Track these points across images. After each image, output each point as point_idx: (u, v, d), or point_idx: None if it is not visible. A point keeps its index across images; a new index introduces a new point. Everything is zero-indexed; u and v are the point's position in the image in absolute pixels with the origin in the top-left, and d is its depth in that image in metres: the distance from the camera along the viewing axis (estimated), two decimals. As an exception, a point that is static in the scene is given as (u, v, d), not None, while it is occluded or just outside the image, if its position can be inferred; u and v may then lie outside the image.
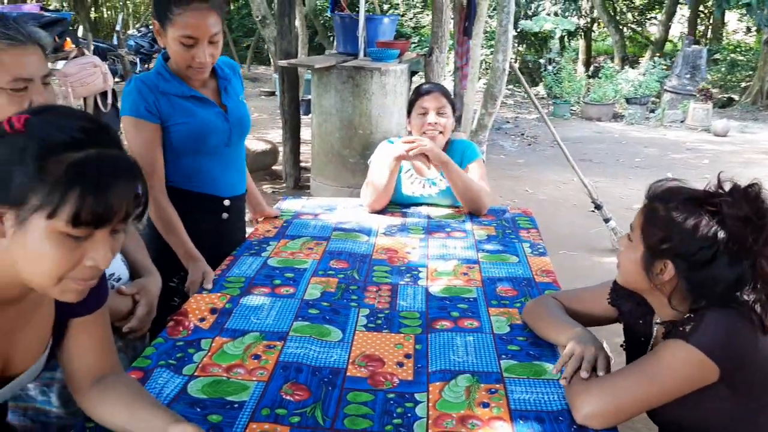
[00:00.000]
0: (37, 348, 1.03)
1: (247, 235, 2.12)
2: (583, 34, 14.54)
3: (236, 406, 1.21)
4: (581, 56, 14.28)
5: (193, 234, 1.82)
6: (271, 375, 1.31)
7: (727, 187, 1.17)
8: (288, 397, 1.24)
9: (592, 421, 1.14)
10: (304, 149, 5.96)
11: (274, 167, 6.24)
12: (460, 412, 1.20)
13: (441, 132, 2.32)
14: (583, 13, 14.26)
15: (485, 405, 1.22)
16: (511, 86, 13.62)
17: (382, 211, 2.37)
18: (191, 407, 1.19)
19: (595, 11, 13.96)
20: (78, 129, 0.84)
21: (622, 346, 1.42)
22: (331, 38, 13.39)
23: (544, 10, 13.28)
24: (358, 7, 4.95)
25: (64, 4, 16.43)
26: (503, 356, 1.40)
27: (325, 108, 5.03)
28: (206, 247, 1.84)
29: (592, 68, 13.38)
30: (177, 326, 1.49)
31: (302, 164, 5.98)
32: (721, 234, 1.11)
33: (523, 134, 9.10)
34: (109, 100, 3.61)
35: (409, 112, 2.41)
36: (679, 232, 1.16)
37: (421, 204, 2.45)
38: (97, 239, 0.86)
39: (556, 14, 13.08)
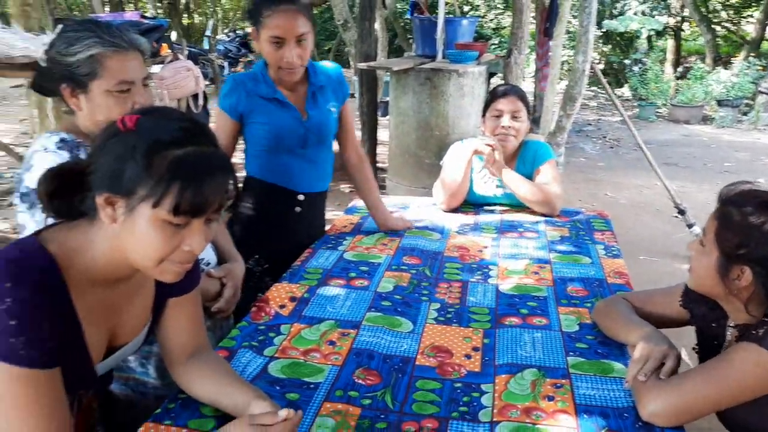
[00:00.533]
0: (139, 323, 1.14)
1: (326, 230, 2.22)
2: (672, 33, 13.96)
3: (312, 386, 1.29)
4: (670, 56, 13.71)
5: (265, 222, 2.00)
6: (345, 360, 1.39)
7: None
8: (360, 381, 1.31)
9: (657, 418, 1.15)
10: (381, 150, 6.07)
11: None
12: (525, 403, 1.24)
13: (514, 135, 2.35)
14: (673, 11, 13.69)
15: (550, 398, 1.25)
16: (594, 88, 13.27)
17: (455, 210, 2.42)
18: (271, 385, 1.29)
19: (686, 10, 13.39)
20: (179, 129, 0.94)
21: (694, 348, 1.41)
22: (411, 40, 13.50)
23: (630, 9, 12.84)
24: (438, 10, 4.99)
25: (159, 11, 17.33)
26: (570, 353, 1.42)
27: (403, 109, 5.10)
28: (280, 236, 1.98)
29: (681, 69, 12.83)
30: (259, 312, 1.60)
31: (379, 164, 6.09)
32: None
33: (605, 137, 8.87)
34: (200, 102, 3.83)
35: (484, 113, 2.44)
36: (756, 236, 1.15)
37: (493, 204, 2.48)
38: (193, 227, 0.96)
39: (643, 13, 12.62)
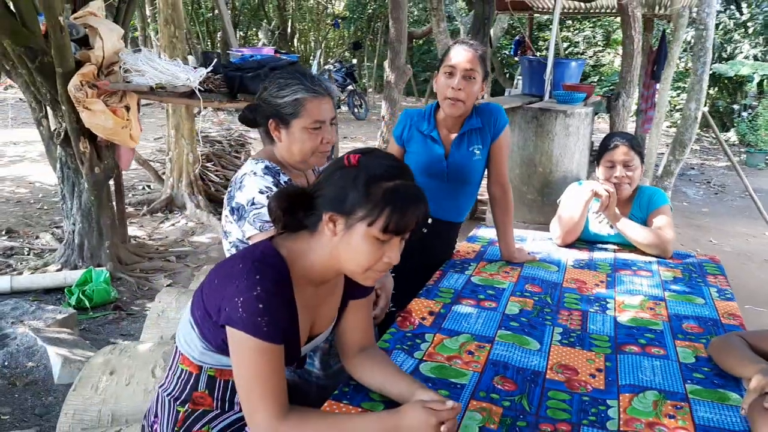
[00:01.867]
0: (330, 318, 1.42)
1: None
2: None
3: (458, 386, 1.52)
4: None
5: None
6: (484, 368, 1.61)
7: None
8: (499, 386, 1.53)
9: None
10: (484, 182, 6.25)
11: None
12: (648, 418, 1.41)
13: (628, 183, 2.51)
14: (789, 55, 13.18)
15: (671, 417, 1.42)
16: (698, 131, 12.92)
17: (569, 246, 2.60)
18: (424, 382, 1.52)
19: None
20: (391, 166, 1.22)
21: None
22: (507, 75, 13.73)
23: (741, 53, 12.50)
24: (539, 48, 5.19)
25: (268, 41, 18.44)
26: (688, 381, 1.57)
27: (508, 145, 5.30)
28: (409, 251, 2.22)
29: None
30: (404, 321, 1.85)
31: (480, 197, 6.29)
32: None
33: (709, 182, 8.68)
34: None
35: (597, 160, 2.62)
36: None
37: (607, 242, 2.64)
38: (393, 244, 1.23)
39: (755, 57, 12.24)
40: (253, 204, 1.64)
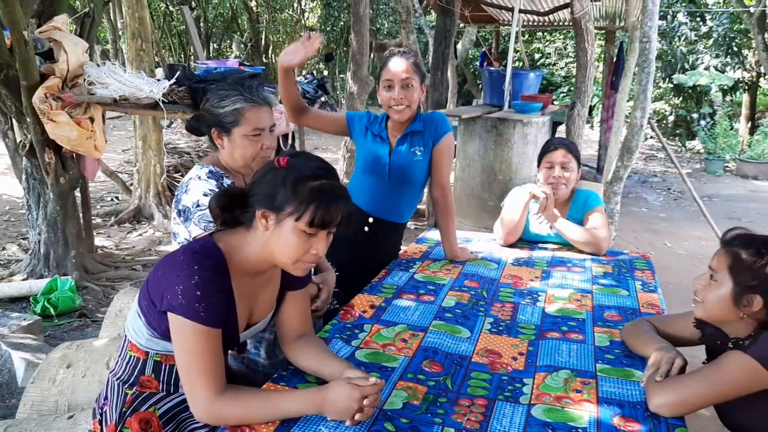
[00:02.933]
0: (268, 307, 1.55)
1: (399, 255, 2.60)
2: (747, 88, 13.87)
3: (389, 369, 1.65)
4: (744, 111, 13.61)
5: (341, 235, 2.40)
6: (415, 353, 1.75)
7: None
8: (427, 369, 1.67)
9: (661, 409, 1.44)
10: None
11: (418, 206, 6.78)
12: (557, 393, 1.56)
13: (564, 184, 2.68)
14: (748, 66, 13.63)
15: (578, 391, 1.57)
16: (664, 141, 13.27)
17: (512, 246, 2.76)
18: (358, 367, 1.65)
19: (762, 66, 13.31)
20: (317, 168, 1.36)
21: (704, 362, 1.69)
22: (480, 86, 14.01)
23: (702, 63, 12.91)
24: (506, 59, 5.40)
25: (241, 54, 18.53)
26: (599, 361, 1.73)
27: (469, 154, 5.49)
28: (348, 249, 2.34)
29: (752, 124, 12.72)
30: (346, 314, 1.99)
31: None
32: None
33: (669, 188, 8.97)
34: (290, 141, 4.34)
35: (539, 164, 2.79)
36: (765, 270, 1.46)
37: (546, 242, 2.81)
38: (320, 237, 1.36)
39: (716, 68, 12.65)
40: (198, 206, 1.77)
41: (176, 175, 6.34)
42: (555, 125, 5.88)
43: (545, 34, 17.65)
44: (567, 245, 2.75)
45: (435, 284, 2.28)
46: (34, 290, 4.03)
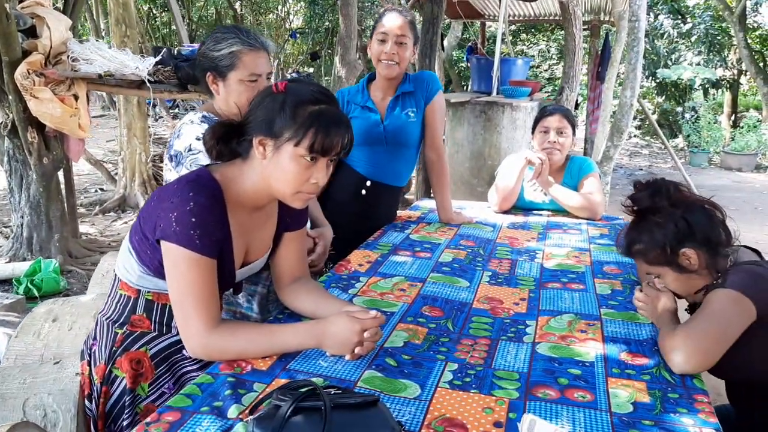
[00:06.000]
0: (264, 246, 1.50)
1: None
2: (728, 86, 14.04)
3: (388, 313, 1.61)
4: (726, 109, 13.77)
5: (339, 196, 2.37)
6: (414, 300, 1.71)
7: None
8: (427, 313, 1.63)
9: (687, 366, 1.32)
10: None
11: (407, 195, 6.74)
12: (562, 333, 1.52)
13: (559, 150, 2.65)
14: (729, 64, 13.80)
15: (583, 331, 1.53)
16: (648, 138, 13.42)
17: (506, 212, 2.73)
18: (356, 311, 1.61)
19: (743, 63, 13.49)
20: (317, 92, 1.31)
21: (686, 309, 1.66)
22: (465, 87, 14.03)
23: (685, 60, 13.04)
24: (492, 55, 5.38)
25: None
26: (603, 306, 1.70)
27: (458, 140, 5.46)
28: (346, 212, 2.35)
29: (734, 121, 12.86)
30: (341, 267, 1.94)
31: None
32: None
33: (655, 180, 9.00)
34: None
35: (533, 130, 2.76)
36: (662, 235, 1.50)
37: (541, 209, 2.78)
38: (320, 165, 1.31)
39: (698, 65, 12.80)
40: (190, 150, 1.71)
41: (161, 165, 6.25)
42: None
43: (529, 35, 17.75)
44: (562, 212, 2.72)
45: (431, 243, 2.25)
46: (17, 273, 3.93)
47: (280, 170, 1.30)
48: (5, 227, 5.24)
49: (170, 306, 1.34)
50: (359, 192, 2.40)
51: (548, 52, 17.83)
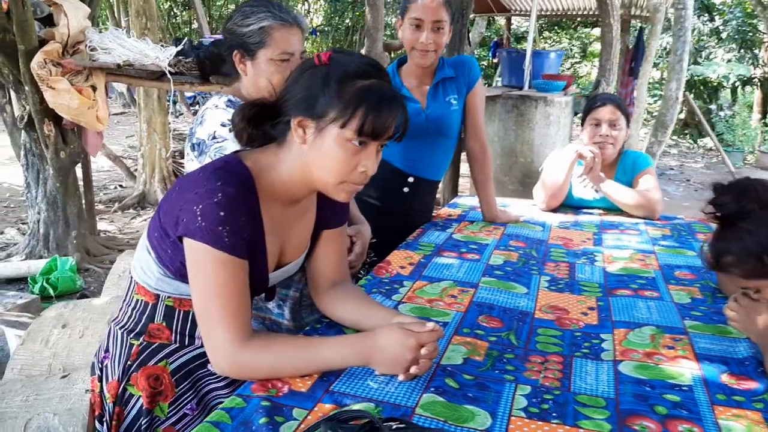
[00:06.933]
0: (301, 246, 1.30)
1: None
2: (759, 84, 13.60)
3: (441, 324, 1.40)
4: (756, 107, 13.35)
5: (377, 195, 2.16)
6: (467, 308, 1.50)
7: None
8: (484, 324, 1.42)
9: None
10: (464, 172, 6.19)
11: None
12: (645, 349, 1.31)
13: (612, 144, 2.42)
14: (761, 62, 13.37)
15: (670, 348, 1.31)
16: (675, 137, 13.05)
17: (554, 211, 2.51)
18: (403, 320, 1.40)
19: (775, 60, 13.07)
20: (366, 64, 1.11)
21: None
22: (488, 85, 13.78)
23: (716, 57, 12.67)
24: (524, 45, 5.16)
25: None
26: (686, 318, 1.47)
27: (488, 136, 5.21)
28: (387, 212, 2.15)
29: (765, 120, 12.45)
30: (381, 270, 1.73)
31: (460, 192, 6.21)
32: None
33: (688, 180, 8.71)
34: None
35: (583, 121, 2.54)
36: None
37: (592, 207, 2.55)
38: (369, 151, 1.11)
39: (728, 61, 12.41)
40: (214, 138, 1.52)
41: (182, 161, 6.10)
42: (587, 99, 5.60)
43: (552, 32, 17.42)
44: (615, 210, 2.49)
45: (477, 243, 2.03)
46: (33, 271, 3.79)
47: (322, 156, 1.10)
48: (23, 224, 5.11)
49: (194, 314, 1.14)
50: (401, 190, 2.20)
51: (571, 50, 17.49)
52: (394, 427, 0.86)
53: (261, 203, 1.14)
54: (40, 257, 4.05)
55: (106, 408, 1.21)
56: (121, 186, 6.65)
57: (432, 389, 1.11)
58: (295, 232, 1.26)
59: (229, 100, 1.59)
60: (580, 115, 6.17)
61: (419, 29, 2.02)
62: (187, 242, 1.08)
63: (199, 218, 1.05)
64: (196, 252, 1.07)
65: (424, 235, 2.09)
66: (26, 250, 4.12)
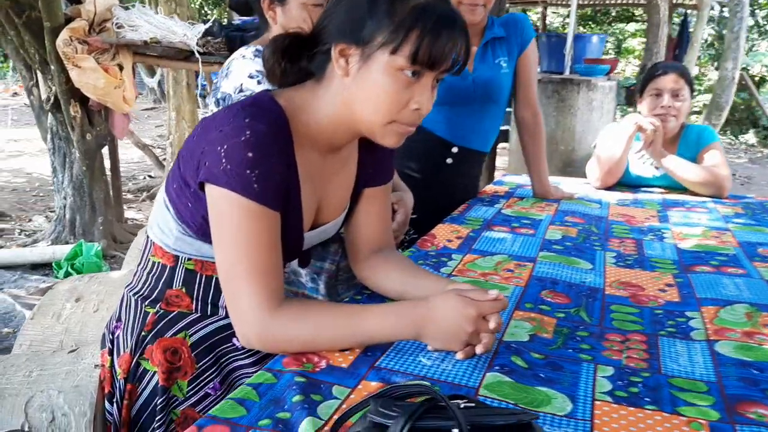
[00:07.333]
0: (340, 204, 1.12)
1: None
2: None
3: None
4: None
5: (417, 167, 1.98)
6: (528, 282, 1.32)
7: None
8: (549, 299, 1.23)
9: None
10: (501, 162, 5.99)
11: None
12: (743, 328, 1.11)
13: (675, 116, 2.21)
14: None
15: (773, 327, 1.11)
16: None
17: (609, 189, 2.30)
18: (455, 294, 1.23)
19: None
20: None
21: None
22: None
23: (759, 48, 12.21)
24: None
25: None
26: (783, 295, 1.27)
27: (527, 123, 5.02)
28: (429, 185, 1.94)
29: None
30: (425, 242, 1.56)
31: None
32: None
33: (734, 174, 8.35)
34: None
35: (641, 92, 2.32)
36: None
37: (651, 186, 2.34)
38: (424, 83, 0.93)
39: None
40: (241, 91, 1.36)
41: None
42: (627, 90, 5.35)
43: (586, 28, 17.05)
44: (678, 188, 2.27)
45: (530, 219, 1.84)
46: (58, 256, 3.70)
47: (368, 90, 0.93)
48: (51, 212, 5.06)
49: (218, 278, 0.98)
50: (443, 161, 2.00)
51: (605, 46, 17.11)
52: (462, 405, 0.68)
53: (295, 149, 0.97)
54: (66, 243, 3.96)
55: (117, 385, 1.05)
56: (150, 176, 6.59)
57: (496, 368, 0.94)
58: (334, 187, 1.09)
59: (257, 50, 1.43)
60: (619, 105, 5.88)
61: None
62: (210, 189, 0.92)
63: (224, 160, 0.89)
64: (220, 200, 0.91)
65: (471, 210, 1.90)
66: (52, 235, 4.04)
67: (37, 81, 3.88)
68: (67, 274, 3.50)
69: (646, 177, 2.33)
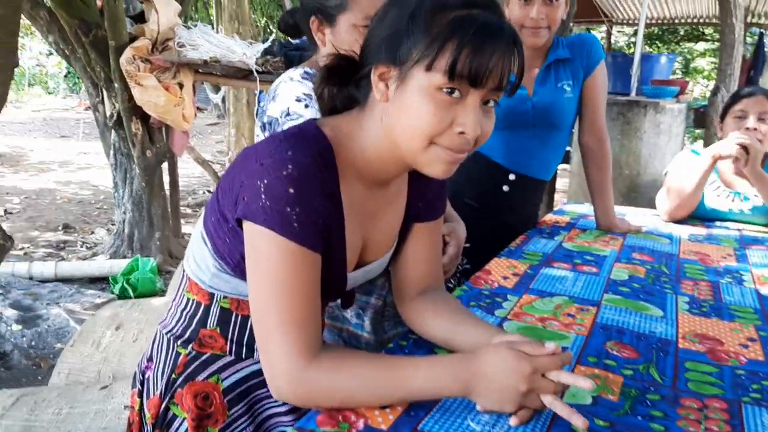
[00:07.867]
0: (387, 241, 1.04)
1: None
2: None
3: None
4: None
5: (471, 194, 1.88)
6: (590, 331, 1.20)
7: None
8: (614, 352, 1.11)
9: None
10: (561, 183, 5.80)
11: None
12: None
13: (761, 139, 2.04)
14: None
15: None
16: None
17: (680, 222, 2.14)
18: (510, 342, 1.12)
19: None
20: None
21: None
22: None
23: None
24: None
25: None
26: None
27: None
28: (483, 214, 1.84)
29: None
30: (479, 279, 1.46)
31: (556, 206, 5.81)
32: None
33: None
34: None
35: (723, 117, 2.16)
36: None
37: (727, 220, 2.17)
38: (468, 103, 0.83)
39: None
40: (288, 115, 1.30)
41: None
42: (695, 112, 5.10)
43: (652, 47, 16.54)
44: (756, 224, 2.10)
45: (593, 255, 1.72)
46: (115, 270, 3.76)
47: (405, 111, 0.83)
48: (113, 225, 5.19)
49: None
50: (499, 188, 1.90)
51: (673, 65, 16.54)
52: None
53: (341, 182, 0.90)
54: (124, 257, 4.03)
55: (146, 430, 1.00)
56: (209, 191, 6.70)
57: (555, 436, 0.83)
58: (381, 224, 1.01)
59: (306, 72, 1.37)
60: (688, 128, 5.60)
61: (528, 3, 1.74)
62: (247, 226, 0.85)
63: (264, 197, 0.82)
64: (257, 239, 0.84)
65: (529, 243, 1.79)
66: (111, 249, 4.13)
67: (102, 98, 3.99)
68: (123, 289, 3.55)
69: (722, 211, 2.16)
